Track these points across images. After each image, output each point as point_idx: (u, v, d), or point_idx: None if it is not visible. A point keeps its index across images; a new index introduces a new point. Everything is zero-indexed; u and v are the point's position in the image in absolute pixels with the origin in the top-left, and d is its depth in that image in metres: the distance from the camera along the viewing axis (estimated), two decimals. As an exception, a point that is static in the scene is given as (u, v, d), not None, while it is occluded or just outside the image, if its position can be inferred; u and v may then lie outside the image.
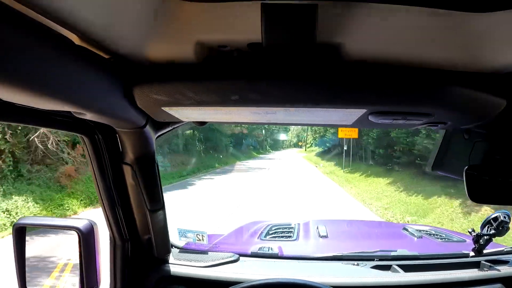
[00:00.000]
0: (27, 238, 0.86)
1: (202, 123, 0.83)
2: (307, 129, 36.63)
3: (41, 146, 7.48)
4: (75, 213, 7.18)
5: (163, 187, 1.02)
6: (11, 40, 0.35)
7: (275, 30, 0.45)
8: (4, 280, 3.11)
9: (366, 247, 1.31)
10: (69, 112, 0.57)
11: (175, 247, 1.25)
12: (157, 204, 0.97)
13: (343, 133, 14.85)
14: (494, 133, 0.72)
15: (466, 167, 0.73)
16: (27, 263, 0.85)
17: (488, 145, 0.74)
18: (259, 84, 0.57)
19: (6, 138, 6.91)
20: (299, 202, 8.01)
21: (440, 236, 1.70)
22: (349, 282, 1.09)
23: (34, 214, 6.20)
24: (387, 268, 1.18)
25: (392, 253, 1.26)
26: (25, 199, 6.72)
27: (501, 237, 1.25)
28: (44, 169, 7.79)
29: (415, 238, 1.61)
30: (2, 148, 6.95)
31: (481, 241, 1.22)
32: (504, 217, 1.22)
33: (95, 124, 0.80)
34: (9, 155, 7.09)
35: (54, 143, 7.56)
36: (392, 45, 0.51)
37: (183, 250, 1.25)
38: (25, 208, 6.51)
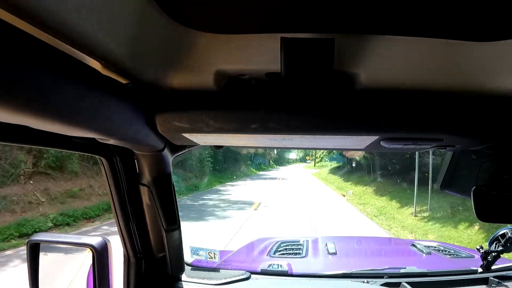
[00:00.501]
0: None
1: (219, 147, 0.86)
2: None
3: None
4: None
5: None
6: (43, 75, 0.36)
7: (294, 62, 0.46)
8: None
9: (375, 264, 1.32)
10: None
11: (187, 264, 1.25)
12: (173, 224, 0.99)
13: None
14: (502, 154, 0.73)
15: (474, 187, 0.74)
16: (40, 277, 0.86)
17: (496, 165, 0.75)
18: (278, 114, 0.59)
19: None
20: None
21: (449, 252, 1.69)
22: None
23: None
24: (396, 285, 1.17)
25: (401, 270, 1.26)
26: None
27: (509, 253, 1.24)
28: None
29: (424, 255, 1.60)
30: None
31: (489, 257, 1.22)
32: None
33: (114, 147, 0.82)
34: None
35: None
36: (403, 74, 0.53)
37: (194, 267, 1.25)
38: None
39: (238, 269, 1.23)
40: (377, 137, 0.65)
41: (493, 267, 1.22)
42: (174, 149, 0.89)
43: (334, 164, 24.61)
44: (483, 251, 1.24)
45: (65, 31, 0.35)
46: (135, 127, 0.61)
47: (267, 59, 0.49)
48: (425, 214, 7.57)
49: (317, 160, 35.71)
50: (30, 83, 0.34)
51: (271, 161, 37.69)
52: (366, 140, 0.68)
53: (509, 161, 0.73)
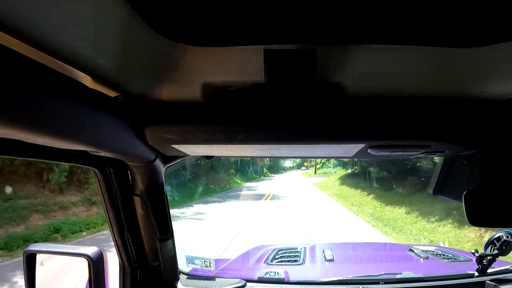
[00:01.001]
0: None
1: (210, 157, 0.87)
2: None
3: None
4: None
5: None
6: (33, 91, 0.37)
7: (277, 73, 0.47)
8: None
9: (372, 270, 1.32)
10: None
11: (183, 273, 1.25)
12: (167, 233, 0.99)
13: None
14: (492, 158, 0.73)
15: (465, 191, 0.74)
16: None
17: (487, 169, 0.75)
18: (264, 125, 0.60)
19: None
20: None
21: (447, 256, 1.69)
22: None
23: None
24: None
25: (397, 276, 1.26)
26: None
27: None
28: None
29: (421, 259, 1.60)
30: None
31: (484, 261, 1.22)
32: (507, 237, 1.23)
33: (107, 158, 0.83)
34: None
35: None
36: (388, 81, 0.54)
37: (190, 276, 1.25)
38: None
39: (234, 277, 1.23)
40: (364, 145, 0.66)
41: (489, 271, 1.22)
42: (166, 159, 0.91)
43: (341, 170, 18.12)
44: (478, 255, 1.24)
45: (53, 48, 0.36)
46: (124, 139, 0.62)
47: (252, 70, 0.50)
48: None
49: (317, 166, 29.83)
50: (19, 99, 0.36)
51: (264, 169, 31.55)
52: (353, 148, 0.69)
53: (500, 165, 0.74)
